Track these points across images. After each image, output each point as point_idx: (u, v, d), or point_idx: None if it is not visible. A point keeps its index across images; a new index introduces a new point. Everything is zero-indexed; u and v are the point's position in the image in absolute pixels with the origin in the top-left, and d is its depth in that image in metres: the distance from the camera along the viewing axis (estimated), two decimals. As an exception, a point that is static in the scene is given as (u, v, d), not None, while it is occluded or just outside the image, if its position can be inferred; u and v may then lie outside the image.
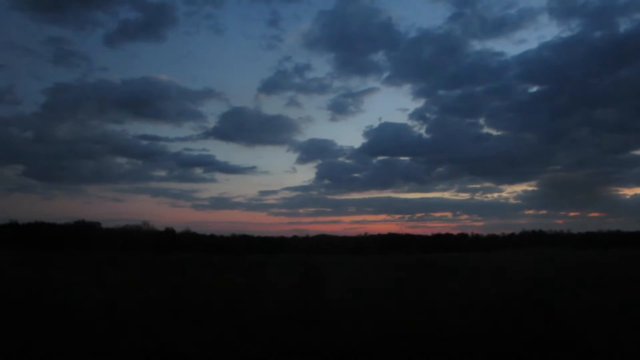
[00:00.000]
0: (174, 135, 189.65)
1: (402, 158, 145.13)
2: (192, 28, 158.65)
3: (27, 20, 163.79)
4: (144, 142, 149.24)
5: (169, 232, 77.13)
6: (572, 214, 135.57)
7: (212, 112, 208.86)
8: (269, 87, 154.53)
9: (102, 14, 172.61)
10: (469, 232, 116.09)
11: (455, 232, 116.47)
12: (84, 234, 67.82)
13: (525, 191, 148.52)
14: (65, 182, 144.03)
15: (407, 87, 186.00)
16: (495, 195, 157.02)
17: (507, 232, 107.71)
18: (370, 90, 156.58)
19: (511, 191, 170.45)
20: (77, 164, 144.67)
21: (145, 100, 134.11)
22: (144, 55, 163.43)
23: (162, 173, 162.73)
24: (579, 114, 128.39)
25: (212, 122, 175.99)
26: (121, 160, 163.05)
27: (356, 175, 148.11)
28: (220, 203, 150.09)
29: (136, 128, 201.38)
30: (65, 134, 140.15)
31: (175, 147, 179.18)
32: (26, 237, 67.60)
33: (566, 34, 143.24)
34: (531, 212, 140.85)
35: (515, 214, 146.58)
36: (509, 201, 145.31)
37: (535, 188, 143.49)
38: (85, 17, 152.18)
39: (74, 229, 71.31)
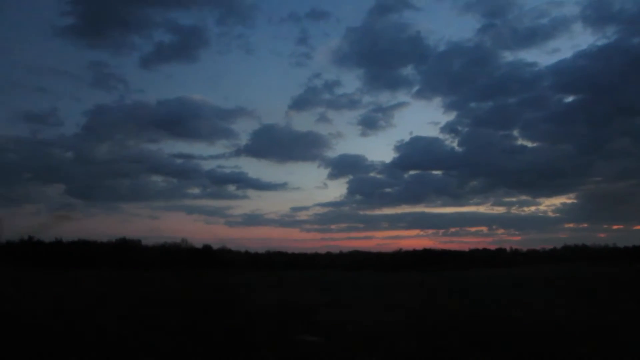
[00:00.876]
0: (207, 153, 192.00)
1: (434, 172, 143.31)
2: (224, 48, 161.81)
3: (69, 47, 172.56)
4: (179, 161, 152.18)
5: (207, 249, 77.88)
6: (615, 226, 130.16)
7: (244, 129, 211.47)
8: (299, 103, 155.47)
9: (138, 37, 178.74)
10: (504, 247, 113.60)
11: (492, 247, 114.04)
12: (127, 252, 69.16)
13: (564, 204, 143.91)
14: (103, 200, 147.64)
15: (437, 101, 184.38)
16: (533, 208, 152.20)
17: (548, 246, 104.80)
18: (401, 105, 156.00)
19: (549, 204, 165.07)
20: (115, 182, 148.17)
21: (179, 120, 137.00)
22: (178, 76, 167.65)
23: (196, 190, 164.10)
24: (619, 123, 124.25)
25: (244, 140, 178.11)
26: (157, 178, 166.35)
27: (388, 190, 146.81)
28: (253, 219, 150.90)
29: (171, 147, 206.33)
30: (104, 154, 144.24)
31: (208, 165, 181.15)
32: (70, 255, 69.13)
33: (602, 41, 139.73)
34: (571, 225, 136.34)
35: (554, 228, 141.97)
36: (547, 214, 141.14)
37: (574, 201, 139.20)
38: (122, 42, 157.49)
39: (117, 247, 72.91)
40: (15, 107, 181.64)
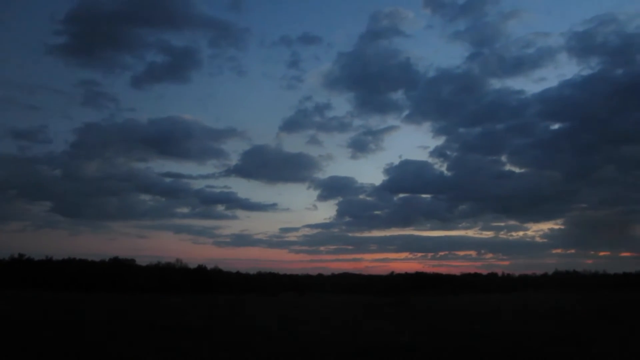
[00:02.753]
0: (197, 173, 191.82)
1: (423, 195, 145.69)
2: (216, 70, 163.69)
3: (60, 65, 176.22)
4: (168, 180, 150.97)
5: (202, 270, 76.58)
6: (602, 253, 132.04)
7: (235, 150, 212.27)
8: (290, 125, 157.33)
9: (130, 57, 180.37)
10: (495, 271, 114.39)
11: (484, 272, 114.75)
12: (121, 272, 67.60)
13: (551, 230, 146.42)
14: (91, 218, 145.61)
15: (427, 125, 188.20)
16: (521, 233, 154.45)
17: (539, 272, 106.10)
18: (390, 129, 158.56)
19: (537, 229, 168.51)
20: (103, 200, 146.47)
21: (170, 139, 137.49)
22: (169, 96, 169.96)
23: (185, 210, 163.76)
24: (604, 151, 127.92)
25: (234, 160, 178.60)
26: (145, 197, 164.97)
27: (377, 212, 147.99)
28: (242, 240, 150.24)
29: (160, 166, 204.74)
30: (93, 172, 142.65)
31: (198, 185, 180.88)
32: (60, 275, 67.33)
33: (586, 72, 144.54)
34: (559, 251, 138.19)
35: (542, 253, 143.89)
36: (535, 240, 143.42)
37: (562, 227, 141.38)
38: (114, 61, 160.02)
39: (110, 267, 71.26)
40: (5, 124, 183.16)
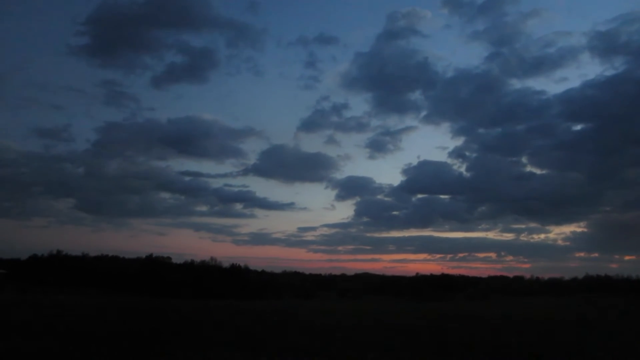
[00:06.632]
0: (216, 172, 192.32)
1: (442, 196, 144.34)
2: (234, 70, 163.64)
3: (83, 66, 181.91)
4: (187, 178, 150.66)
5: (238, 270, 74.86)
6: (627, 257, 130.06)
7: (253, 149, 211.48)
8: (308, 125, 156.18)
9: (150, 58, 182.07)
10: (518, 274, 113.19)
11: (509, 275, 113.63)
12: (161, 270, 66.02)
13: (574, 232, 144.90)
14: (112, 216, 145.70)
15: (445, 126, 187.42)
16: (542, 236, 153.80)
17: (566, 276, 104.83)
18: (409, 129, 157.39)
19: (559, 232, 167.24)
20: (124, 198, 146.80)
21: (189, 138, 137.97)
22: (188, 95, 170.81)
23: (204, 208, 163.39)
24: (628, 152, 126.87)
25: (252, 159, 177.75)
26: (165, 195, 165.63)
27: (395, 213, 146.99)
28: (260, 238, 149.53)
29: (180, 165, 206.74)
30: (114, 170, 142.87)
31: (216, 183, 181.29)
32: (99, 273, 65.92)
33: (610, 72, 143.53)
34: (582, 254, 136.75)
35: (564, 257, 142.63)
36: (557, 242, 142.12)
37: (585, 229, 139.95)
38: (134, 62, 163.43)
39: (148, 264, 69.67)
40: (29, 123, 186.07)
